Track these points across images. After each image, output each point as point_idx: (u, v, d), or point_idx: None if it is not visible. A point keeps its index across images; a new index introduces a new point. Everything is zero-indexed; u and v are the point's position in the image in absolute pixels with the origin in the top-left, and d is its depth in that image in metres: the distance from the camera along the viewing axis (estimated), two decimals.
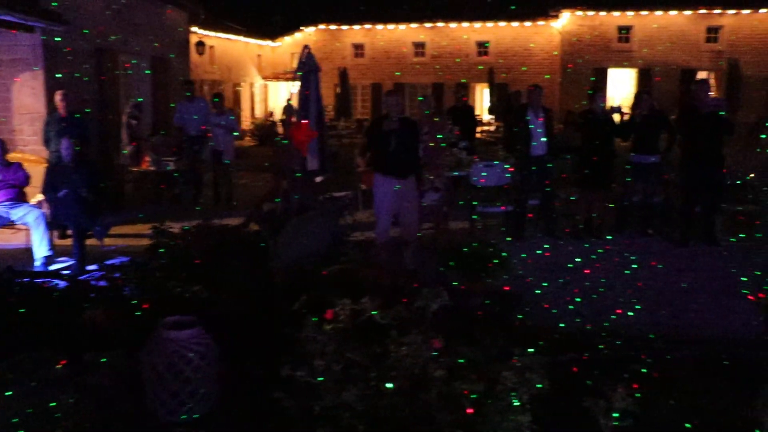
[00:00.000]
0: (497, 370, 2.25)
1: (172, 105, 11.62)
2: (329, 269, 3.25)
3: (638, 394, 3.96)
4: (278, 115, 25.25)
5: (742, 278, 6.51)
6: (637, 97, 8.61)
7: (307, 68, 8.26)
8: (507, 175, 8.45)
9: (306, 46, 8.56)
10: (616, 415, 2.12)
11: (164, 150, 11.03)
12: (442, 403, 2.08)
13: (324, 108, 9.03)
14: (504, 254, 5.67)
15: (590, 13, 27.75)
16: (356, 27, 31.04)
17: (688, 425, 3.55)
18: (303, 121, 7.57)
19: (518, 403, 2.15)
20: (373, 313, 2.41)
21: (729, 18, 27.66)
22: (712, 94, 8.06)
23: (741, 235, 7.96)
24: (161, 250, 4.14)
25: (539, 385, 2.21)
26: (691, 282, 6.58)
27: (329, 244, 4.01)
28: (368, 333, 2.48)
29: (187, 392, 2.56)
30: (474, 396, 2.12)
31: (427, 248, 6.97)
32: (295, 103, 8.56)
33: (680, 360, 4.71)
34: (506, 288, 5.78)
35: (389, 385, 2.07)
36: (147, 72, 13.01)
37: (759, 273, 6.48)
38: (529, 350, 2.30)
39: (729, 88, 27.71)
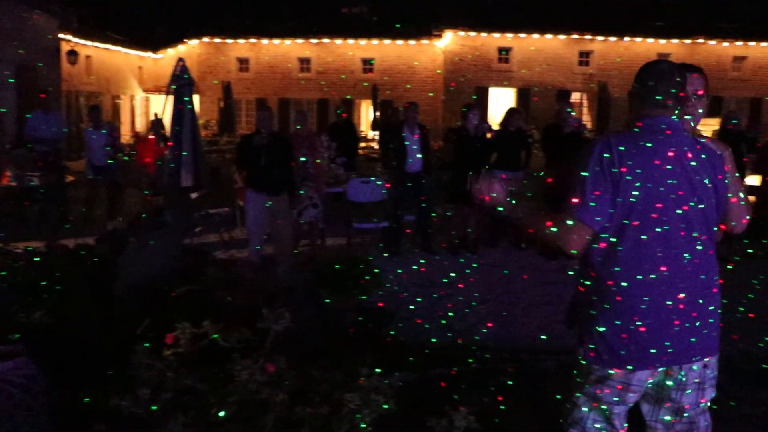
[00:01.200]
0: (343, 392, 2.18)
1: (28, 116, 10.87)
2: (179, 290, 3.09)
3: (503, 407, 4.07)
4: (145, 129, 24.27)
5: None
6: (507, 114, 8.87)
7: (181, 82, 8.01)
8: (383, 191, 8.47)
9: (180, 59, 8.28)
10: None
11: (27, 164, 10.36)
12: (280, 428, 1.99)
13: (198, 123, 8.76)
14: (376, 270, 5.64)
15: (472, 33, 28.63)
16: (241, 41, 30.56)
17: None
18: (150, 137, 7.29)
19: (364, 425, 2.09)
20: (213, 336, 2.29)
21: (598, 44, 29.29)
22: (573, 114, 8.39)
23: None
24: (2, 273, 3.83)
25: (385, 406, 2.16)
26: (560, 294, 6.79)
27: (180, 264, 3.83)
28: (212, 357, 2.35)
29: (7, 429, 2.34)
30: (315, 420, 2.05)
31: (302, 266, 6.87)
32: (167, 118, 8.24)
33: (544, 371, 4.83)
34: (380, 304, 5.77)
35: (221, 414, 1.96)
36: (10, 81, 12.23)
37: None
38: (377, 370, 2.25)
39: (599, 108, 29.35)
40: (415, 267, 7.43)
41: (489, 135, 8.72)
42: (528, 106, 24.24)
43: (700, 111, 2.56)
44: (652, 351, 2.26)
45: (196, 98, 28.91)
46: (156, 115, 26.32)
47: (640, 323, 2.26)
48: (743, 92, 28.93)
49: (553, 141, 8.09)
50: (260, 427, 1.95)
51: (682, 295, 2.24)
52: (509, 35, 28.75)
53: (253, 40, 30.51)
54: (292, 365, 2.28)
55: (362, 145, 19.92)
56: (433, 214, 8.60)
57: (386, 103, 24.76)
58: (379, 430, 2.14)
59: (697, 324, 2.28)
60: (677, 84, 2.37)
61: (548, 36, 28.80)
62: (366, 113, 29.53)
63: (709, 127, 12.54)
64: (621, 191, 2.26)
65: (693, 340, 2.27)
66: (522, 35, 28.72)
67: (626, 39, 29.04)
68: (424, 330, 5.57)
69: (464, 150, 8.09)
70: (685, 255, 2.25)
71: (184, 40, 30.71)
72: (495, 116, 25.66)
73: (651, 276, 2.25)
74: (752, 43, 29.29)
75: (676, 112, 2.37)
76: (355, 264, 5.61)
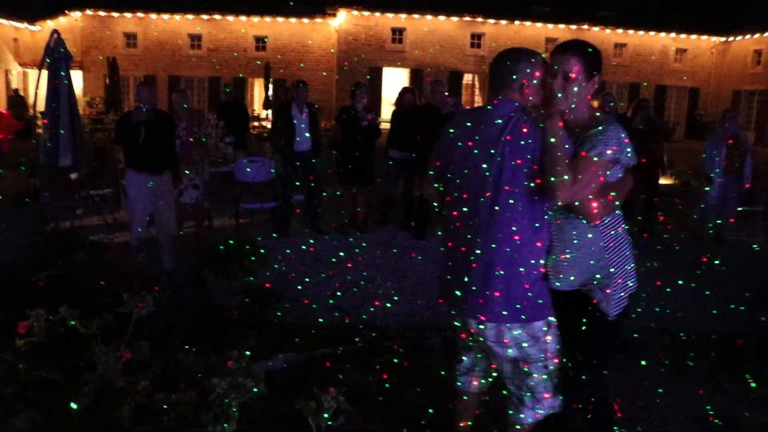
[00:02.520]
0: (212, 376, 2.11)
1: None
2: (39, 275, 2.91)
3: (387, 384, 4.09)
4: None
5: None
6: (400, 94, 8.90)
7: (57, 55, 7.56)
8: (271, 170, 8.34)
9: (55, 31, 7.81)
10: (326, 415, 2.08)
11: None
12: (140, 417, 1.90)
13: (77, 100, 8.31)
14: (263, 251, 5.55)
15: (366, 13, 28.59)
16: (128, 15, 29.27)
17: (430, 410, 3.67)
18: (4, 112, 6.86)
19: (232, 410, 2.03)
20: (71, 323, 2.16)
21: (490, 26, 29.92)
22: (447, 94, 8.44)
23: None
24: None
25: (255, 390, 2.11)
26: None
27: (43, 248, 3.61)
28: (72, 346, 2.22)
29: None
30: (180, 407, 1.97)
31: (186, 248, 6.67)
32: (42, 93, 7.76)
33: (430, 347, 4.91)
34: (267, 285, 5.69)
35: (74, 405, 1.85)
36: None
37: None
38: (247, 353, 2.19)
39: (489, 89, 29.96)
40: (303, 247, 7.37)
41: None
42: (421, 87, 24.48)
43: (575, 89, 2.54)
44: (451, 297, 2.66)
45: (78, 74, 27.66)
46: (15, 90, 24.72)
47: (446, 273, 2.71)
48: (624, 77, 30.43)
49: (433, 121, 8.11)
50: (117, 418, 1.85)
51: (463, 250, 2.57)
52: (403, 16, 28.91)
53: (140, 15, 29.29)
54: (158, 350, 2.18)
55: (254, 124, 19.57)
56: (323, 194, 8.54)
57: (279, 81, 24.40)
58: (247, 415, 2.09)
59: (472, 284, 2.52)
60: (503, 69, 2.62)
61: (441, 17, 29.16)
62: (259, 92, 29.03)
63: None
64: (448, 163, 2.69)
65: (467, 297, 2.55)
66: (416, 16, 28.94)
67: (516, 23, 29.84)
68: (312, 310, 5.54)
69: (352, 129, 8.06)
70: (470, 216, 2.54)
71: (66, 11, 29.09)
72: (389, 96, 25.84)
73: (449, 233, 2.70)
74: (631, 32, 30.80)
75: (513, 93, 2.57)
76: (241, 245, 5.50)
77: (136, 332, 2.12)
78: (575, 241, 2.52)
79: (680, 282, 6.05)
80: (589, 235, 2.53)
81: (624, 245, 2.63)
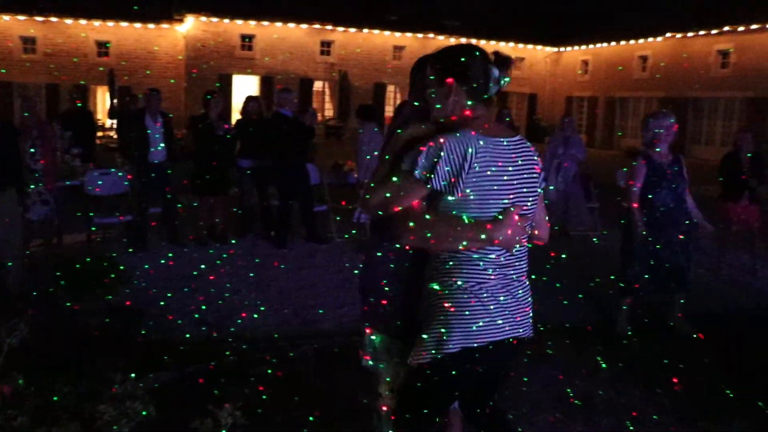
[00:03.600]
0: (95, 403, 2.02)
1: None
2: None
3: (264, 396, 4.08)
4: None
5: (355, 271, 7.11)
6: (245, 103, 8.86)
7: None
8: (125, 182, 8.00)
9: None
10: None
11: None
12: None
13: None
14: (122, 267, 5.32)
15: (214, 19, 28.02)
16: None
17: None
18: None
19: None
20: None
21: (339, 34, 30.28)
22: (296, 101, 8.48)
23: (353, 232, 8.71)
24: None
25: (144, 413, 2.04)
26: (311, 279, 6.95)
27: None
28: None
29: None
30: None
31: (36, 267, 6.27)
32: None
33: (303, 355, 4.93)
34: (128, 303, 5.46)
35: None
36: None
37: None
38: (132, 375, 2.12)
39: (341, 97, 30.42)
40: (163, 261, 7.14)
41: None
42: (272, 94, 24.32)
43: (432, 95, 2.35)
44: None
45: None
46: None
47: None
48: None
49: (280, 128, 8.13)
50: None
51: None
52: (252, 22, 28.60)
53: None
54: (32, 382, 2.06)
55: (99, 134, 18.65)
56: (179, 205, 8.31)
57: (124, 89, 23.36)
58: None
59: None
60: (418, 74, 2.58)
61: (291, 25, 29.13)
62: (102, 100, 27.63)
63: None
64: None
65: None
66: (265, 23, 28.73)
67: (365, 31, 30.38)
68: (178, 326, 5.40)
69: (207, 138, 7.90)
70: None
71: None
72: (238, 104, 25.48)
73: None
74: (474, 41, 32.25)
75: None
76: (98, 262, 5.24)
77: (8, 364, 1.99)
78: None
79: (533, 276, 6.46)
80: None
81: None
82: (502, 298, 2.26)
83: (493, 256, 2.24)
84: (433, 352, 2.23)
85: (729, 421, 4.06)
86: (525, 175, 2.30)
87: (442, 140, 2.16)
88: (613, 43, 31.44)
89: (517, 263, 2.35)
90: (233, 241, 8.30)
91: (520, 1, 31.88)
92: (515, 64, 33.65)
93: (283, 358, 4.78)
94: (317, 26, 29.63)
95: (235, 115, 11.94)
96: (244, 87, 27.79)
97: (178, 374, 4.42)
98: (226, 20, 28.22)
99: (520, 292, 2.36)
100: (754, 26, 25.12)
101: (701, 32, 27.20)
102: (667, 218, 5.26)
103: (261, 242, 8.38)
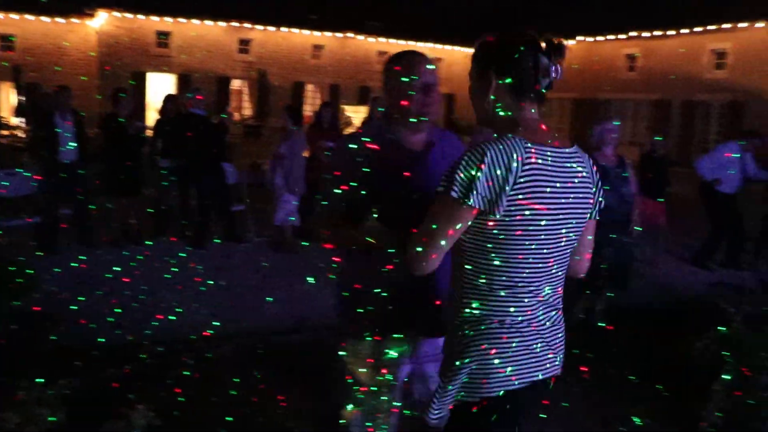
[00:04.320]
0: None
1: None
2: None
3: (182, 398, 4.02)
4: None
5: (273, 271, 7.11)
6: (164, 102, 8.70)
7: None
8: (33, 183, 7.70)
9: None
10: None
11: None
12: None
13: None
14: (30, 271, 5.13)
15: (128, 15, 27.27)
16: None
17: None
18: None
19: None
20: None
21: (258, 33, 29.98)
22: (200, 97, 8.28)
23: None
24: None
25: (52, 419, 1.99)
26: (230, 279, 6.88)
27: None
28: None
29: None
30: None
31: None
32: None
33: (221, 356, 4.89)
34: (36, 309, 5.27)
35: None
36: None
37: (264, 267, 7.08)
38: (38, 380, 2.06)
39: (260, 96, 30.14)
40: (74, 264, 6.90)
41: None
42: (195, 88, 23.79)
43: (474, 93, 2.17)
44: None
45: None
46: None
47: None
48: None
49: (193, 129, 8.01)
50: None
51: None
52: (168, 19, 27.98)
53: None
54: None
55: (5, 133, 17.90)
56: (92, 207, 8.06)
57: (32, 85, 22.42)
58: None
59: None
60: None
61: (208, 22, 28.66)
62: (6, 97, 26.40)
63: (359, 113, 13.63)
64: None
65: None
66: (182, 20, 28.16)
67: (284, 29, 30.18)
68: (91, 331, 5.24)
69: (120, 138, 7.71)
70: None
71: None
72: (154, 102, 24.87)
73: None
74: (394, 41, 32.61)
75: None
76: (3, 266, 5.04)
77: None
78: None
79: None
80: None
81: None
82: (545, 335, 1.97)
83: (536, 289, 1.93)
84: (468, 394, 1.94)
85: (633, 404, 4.27)
86: (579, 198, 1.95)
87: (482, 148, 1.81)
88: None
89: (555, 296, 2.04)
90: (149, 243, 8.12)
91: (438, 1, 32.41)
92: (440, 62, 34.22)
93: (201, 360, 4.73)
94: (235, 24, 29.26)
95: (151, 114, 11.73)
96: (160, 85, 27.15)
97: (90, 379, 4.31)
98: (141, 16, 27.52)
99: (559, 329, 2.06)
100: (657, 32, 26.35)
101: (610, 37, 28.32)
102: (608, 219, 5.47)
103: (178, 243, 8.23)
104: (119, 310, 5.69)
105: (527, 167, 1.78)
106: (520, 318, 1.90)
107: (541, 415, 3.89)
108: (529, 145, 1.82)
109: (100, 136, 8.07)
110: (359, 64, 31.93)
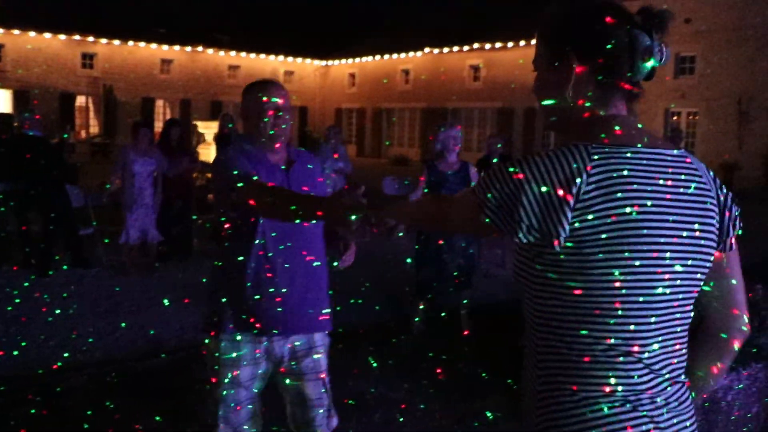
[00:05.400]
0: None
1: None
2: None
3: None
4: None
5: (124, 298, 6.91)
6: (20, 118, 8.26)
7: None
8: None
9: None
10: None
11: None
12: None
13: None
14: None
15: None
16: None
17: None
18: None
19: None
20: None
21: (102, 47, 28.78)
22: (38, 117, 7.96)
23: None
24: None
25: None
26: (79, 307, 6.60)
27: None
28: None
29: None
30: None
31: None
32: None
33: (71, 389, 4.70)
34: None
35: None
36: None
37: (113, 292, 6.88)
38: None
39: (106, 112, 28.87)
40: None
41: None
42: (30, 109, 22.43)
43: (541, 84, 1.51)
44: None
45: None
46: None
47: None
48: (239, 98, 31.76)
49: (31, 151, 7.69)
50: None
51: None
52: (0, 31, 26.22)
53: None
54: None
55: None
56: None
57: None
58: None
59: None
60: None
61: (47, 35, 27.15)
62: None
63: (210, 129, 13.42)
64: None
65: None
66: (16, 32, 26.47)
67: (130, 43, 29.18)
68: None
69: None
70: None
71: None
72: None
73: None
74: (243, 54, 32.37)
75: None
76: None
77: None
78: None
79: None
80: None
81: None
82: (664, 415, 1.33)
83: (646, 353, 1.32)
84: None
85: (485, 398, 4.54)
86: (695, 217, 1.35)
87: (522, 164, 1.31)
88: (378, 57, 33.13)
89: (678, 362, 1.41)
90: None
91: (288, 15, 32.51)
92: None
93: (50, 395, 4.53)
94: (77, 37, 27.89)
95: None
96: None
97: None
98: None
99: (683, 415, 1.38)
100: (498, 44, 27.85)
101: (455, 48, 29.60)
102: None
103: (20, 272, 7.78)
104: None
105: (595, 176, 1.26)
106: (631, 395, 1.32)
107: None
108: (605, 147, 1.30)
109: None
110: (210, 79, 31.39)
